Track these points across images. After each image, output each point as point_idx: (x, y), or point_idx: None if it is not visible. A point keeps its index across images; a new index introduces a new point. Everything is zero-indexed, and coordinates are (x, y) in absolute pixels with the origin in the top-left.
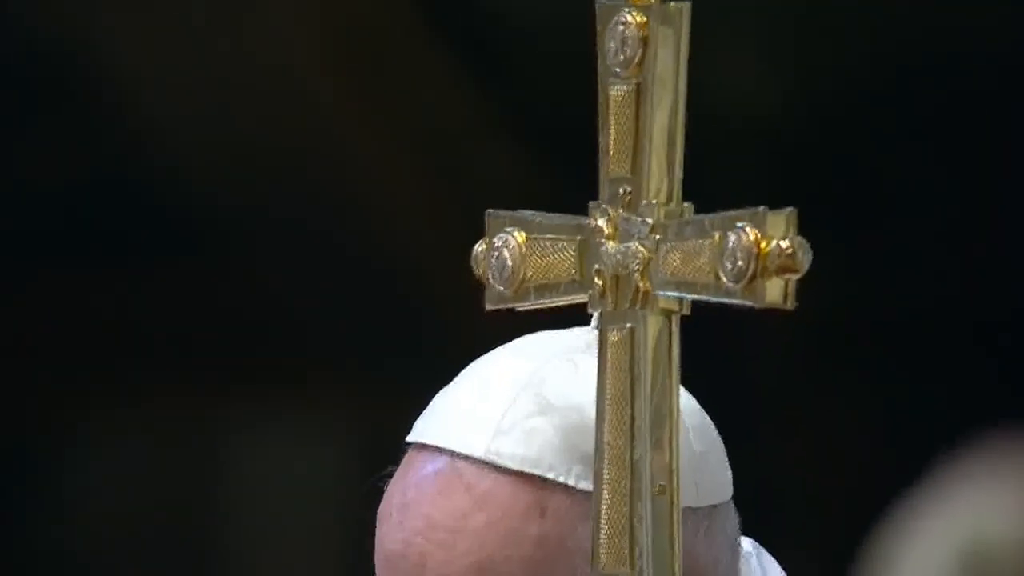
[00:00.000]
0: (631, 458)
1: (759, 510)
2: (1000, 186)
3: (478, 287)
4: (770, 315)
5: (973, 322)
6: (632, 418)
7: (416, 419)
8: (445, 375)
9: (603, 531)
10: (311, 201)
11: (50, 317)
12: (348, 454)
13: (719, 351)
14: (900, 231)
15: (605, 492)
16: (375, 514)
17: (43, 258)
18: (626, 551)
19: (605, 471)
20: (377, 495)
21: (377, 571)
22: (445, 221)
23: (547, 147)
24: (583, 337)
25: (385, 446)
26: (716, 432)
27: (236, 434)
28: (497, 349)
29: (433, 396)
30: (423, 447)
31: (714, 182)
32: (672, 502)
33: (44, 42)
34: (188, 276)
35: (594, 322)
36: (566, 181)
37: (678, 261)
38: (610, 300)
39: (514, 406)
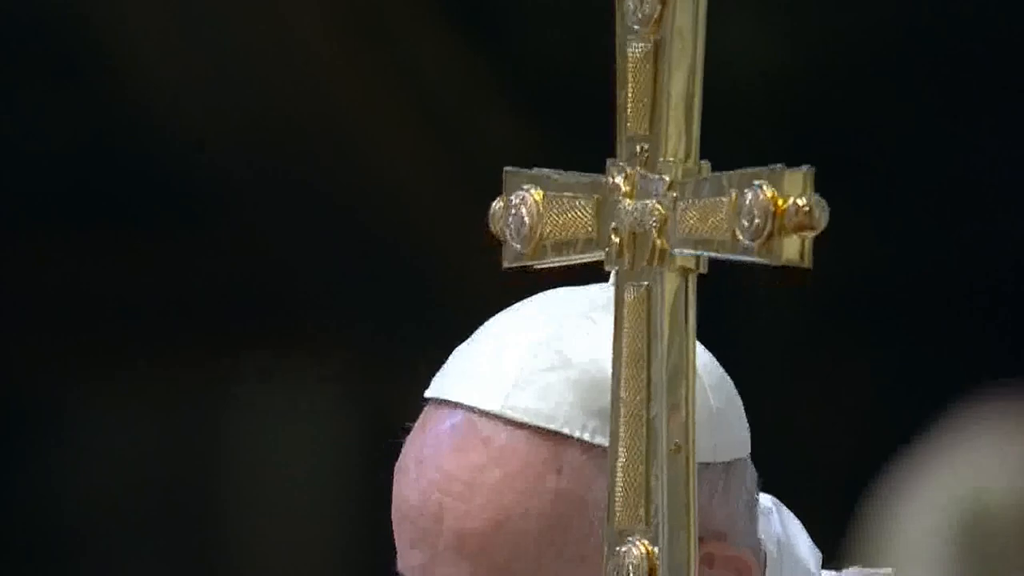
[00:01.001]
0: (647, 416)
1: (759, 468)
2: (1004, 147)
3: (484, 251)
4: (772, 274)
5: (973, 283)
6: (648, 377)
7: (418, 384)
8: (449, 339)
9: (619, 489)
10: (313, 168)
11: (50, 283)
12: (350, 420)
13: (722, 309)
14: (904, 192)
15: (621, 450)
16: (388, 474)
17: (41, 224)
18: (642, 509)
19: (621, 429)
20: (392, 454)
21: (394, 526)
22: (448, 184)
23: (549, 111)
24: (602, 294)
25: (387, 413)
26: (734, 388)
27: (238, 400)
28: (515, 305)
29: (435, 362)
30: (440, 403)
31: (731, 140)
32: (688, 461)
33: (42, 7)
34: (190, 243)
35: (612, 279)
36: (566, 142)
37: (695, 219)
38: (627, 258)
39: (531, 362)
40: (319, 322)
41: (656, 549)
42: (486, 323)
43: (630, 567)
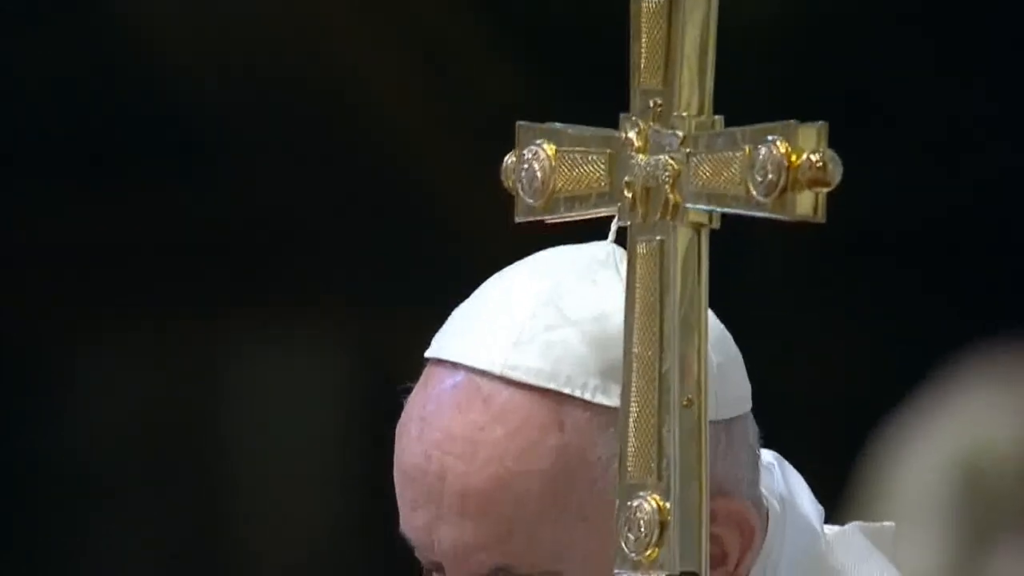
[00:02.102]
0: (659, 370)
1: (757, 417)
2: (1003, 93)
3: (488, 204)
4: (772, 225)
5: (972, 233)
6: (661, 330)
7: (419, 336)
8: (451, 293)
9: (631, 443)
10: (315, 116)
11: (51, 231)
12: (350, 372)
13: (720, 261)
14: (900, 142)
15: (633, 404)
16: (388, 429)
17: (43, 170)
18: (653, 463)
19: (634, 383)
20: (395, 410)
21: (397, 484)
22: (454, 137)
23: (562, 65)
24: (601, 252)
25: (387, 365)
26: (735, 345)
27: (237, 352)
28: (515, 264)
29: (437, 315)
30: (441, 362)
31: (744, 95)
32: (700, 415)
33: None
34: (191, 190)
35: (611, 236)
36: (579, 96)
37: (708, 173)
38: (640, 212)
39: (532, 320)
40: (319, 274)
41: (668, 504)
42: (486, 282)
43: (642, 521)
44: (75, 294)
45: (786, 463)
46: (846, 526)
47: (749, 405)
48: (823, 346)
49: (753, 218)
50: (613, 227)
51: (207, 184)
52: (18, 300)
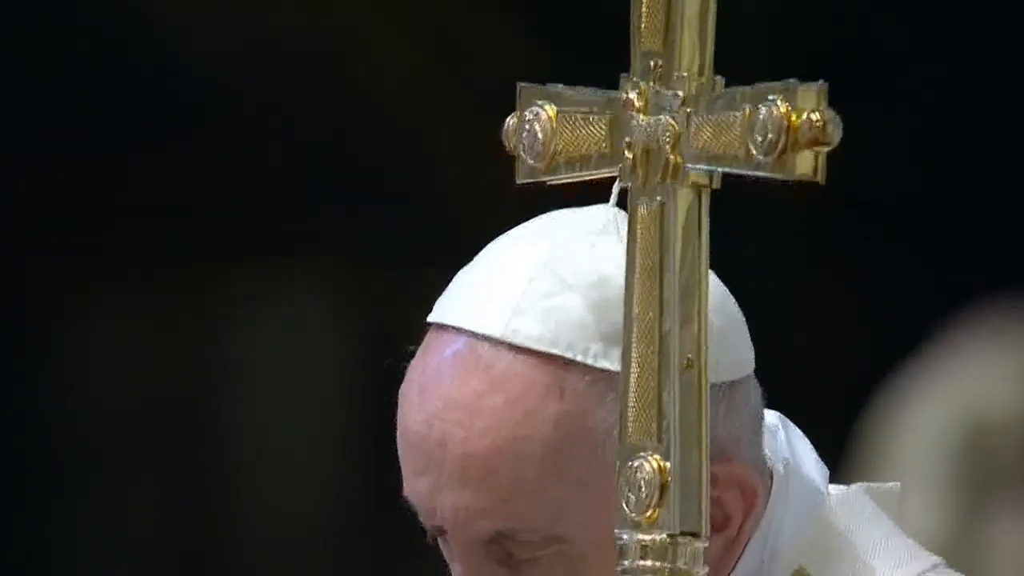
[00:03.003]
0: (660, 332)
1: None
2: (998, 53)
3: (488, 165)
4: (773, 188)
5: (972, 194)
6: (661, 292)
7: (419, 300)
8: (453, 255)
9: (631, 405)
10: (316, 77)
11: (47, 199)
12: (350, 334)
13: (720, 225)
14: (906, 103)
15: (633, 366)
16: (391, 392)
17: (41, 132)
18: (653, 425)
19: (634, 345)
20: (395, 375)
21: (400, 451)
22: (455, 99)
23: (563, 26)
24: (601, 216)
25: (387, 327)
26: (736, 307)
27: (237, 315)
28: (514, 230)
29: (437, 278)
30: (442, 327)
31: (743, 56)
32: (700, 376)
33: None
34: (190, 151)
35: (613, 199)
36: (579, 57)
37: (709, 134)
38: (640, 174)
39: (532, 286)
40: (320, 235)
41: (668, 464)
42: (486, 248)
43: (642, 482)
44: (73, 256)
45: (790, 424)
46: (851, 487)
47: (752, 368)
48: (824, 307)
49: (754, 180)
50: (615, 190)
51: (206, 145)
52: (15, 263)
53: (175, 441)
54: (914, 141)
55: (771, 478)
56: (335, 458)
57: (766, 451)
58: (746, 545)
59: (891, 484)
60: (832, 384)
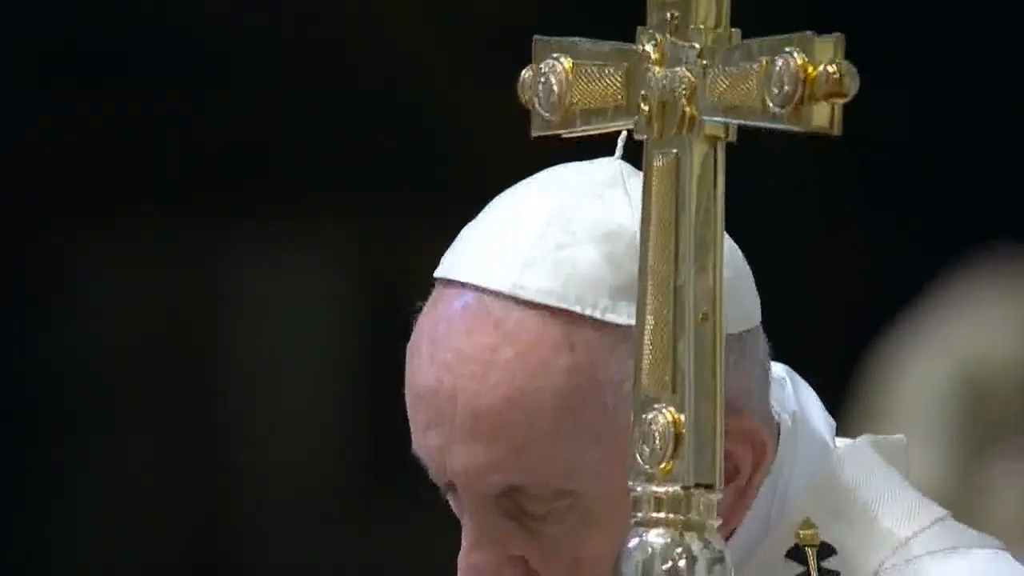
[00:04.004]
0: (674, 284)
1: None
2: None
3: (498, 118)
4: (779, 137)
5: (971, 144)
6: (676, 245)
7: (420, 243)
8: (460, 207)
9: (646, 357)
10: (316, 28)
11: (59, 142)
12: (354, 278)
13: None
14: (907, 50)
15: (648, 318)
16: (395, 339)
17: (47, 75)
18: (668, 377)
19: (649, 297)
20: (402, 329)
21: (408, 406)
22: (463, 51)
23: None
24: (608, 169)
25: (392, 276)
26: (743, 258)
27: (242, 258)
28: (522, 183)
29: (444, 229)
30: (451, 282)
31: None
32: (715, 328)
33: None
34: (194, 100)
35: (618, 152)
36: (595, 9)
37: (725, 86)
38: (656, 126)
39: (541, 240)
40: (323, 186)
41: (683, 417)
42: (493, 201)
43: (656, 434)
44: (77, 201)
45: (797, 376)
46: (857, 440)
47: (759, 319)
48: (829, 257)
49: (763, 131)
50: (620, 143)
51: (210, 94)
52: (20, 207)
53: (176, 386)
54: (914, 90)
55: (778, 430)
56: (337, 404)
57: (773, 404)
58: (754, 498)
59: (897, 436)
60: (833, 336)
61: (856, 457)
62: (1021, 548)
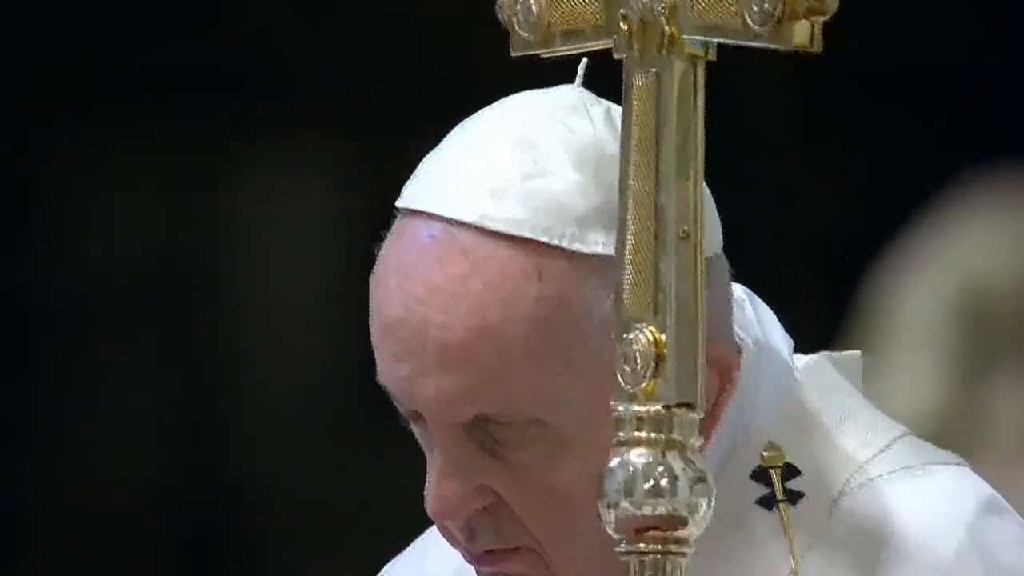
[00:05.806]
0: (656, 203)
1: (758, 252)
2: None
3: (487, 37)
4: (768, 58)
5: (967, 62)
6: (657, 164)
7: (416, 161)
8: (448, 122)
9: (627, 278)
10: None
11: (55, 60)
12: (349, 195)
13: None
14: None
15: (629, 238)
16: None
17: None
18: (650, 296)
19: (630, 217)
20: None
21: (375, 336)
22: None
23: None
24: (571, 96)
25: (390, 195)
26: (705, 185)
27: (241, 177)
28: (484, 110)
29: (426, 145)
30: (416, 213)
31: None
32: (696, 247)
33: None
34: (192, 21)
35: (578, 80)
36: None
37: (705, 5)
38: (636, 46)
39: (507, 170)
40: (325, 104)
41: (664, 336)
42: (454, 130)
43: (638, 354)
44: (78, 125)
45: (756, 297)
46: (813, 356)
47: (721, 243)
48: (822, 177)
49: (748, 52)
50: (580, 70)
51: (209, 12)
52: (21, 132)
53: (178, 306)
54: (913, 5)
55: (741, 354)
56: (337, 322)
57: (735, 328)
58: (720, 423)
59: (852, 352)
60: (831, 254)
61: (816, 377)
62: (1022, 462)
